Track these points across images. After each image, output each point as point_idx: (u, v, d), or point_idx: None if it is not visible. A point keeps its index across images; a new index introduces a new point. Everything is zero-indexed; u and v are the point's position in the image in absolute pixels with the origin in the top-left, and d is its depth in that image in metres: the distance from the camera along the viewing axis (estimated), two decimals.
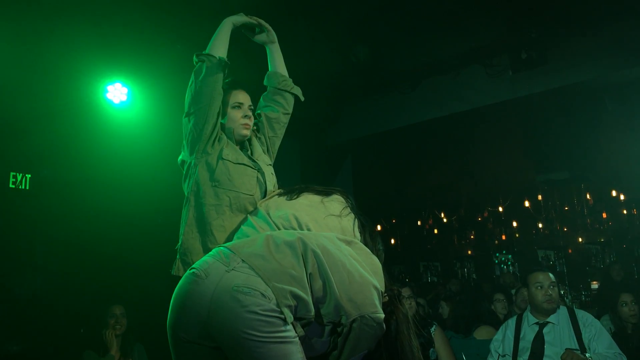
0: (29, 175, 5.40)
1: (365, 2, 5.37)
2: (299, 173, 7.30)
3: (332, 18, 5.50)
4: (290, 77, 2.66)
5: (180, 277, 2.17)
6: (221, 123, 2.40)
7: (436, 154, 9.34)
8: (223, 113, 2.41)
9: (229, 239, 2.20)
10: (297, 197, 2.21)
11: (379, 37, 6.01)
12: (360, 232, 2.14)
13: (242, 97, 2.47)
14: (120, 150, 5.56)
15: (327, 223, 2.09)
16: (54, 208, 5.39)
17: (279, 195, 2.28)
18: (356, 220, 2.17)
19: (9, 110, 4.94)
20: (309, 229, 2.03)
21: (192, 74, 2.33)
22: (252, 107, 2.51)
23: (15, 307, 5.41)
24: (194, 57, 2.33)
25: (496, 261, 11.23)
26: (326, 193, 2.24)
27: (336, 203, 2.20)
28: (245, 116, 2.45)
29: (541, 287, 3.59)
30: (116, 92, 5.56)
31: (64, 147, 5.43)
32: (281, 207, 2.17)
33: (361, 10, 5.48)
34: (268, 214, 2.15)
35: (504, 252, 11.06)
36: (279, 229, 2.05)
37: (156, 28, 4.97)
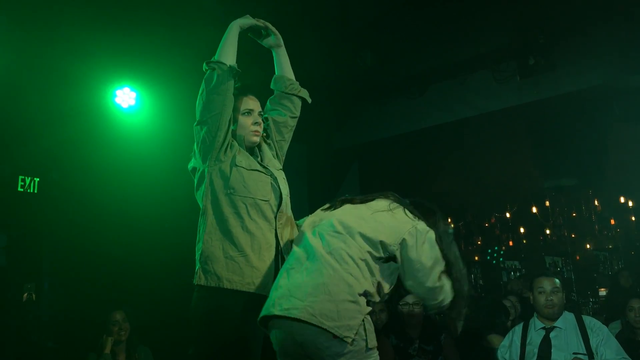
0: (38, 179, 5.43)
1: (373, 7, 5.37)
2: (306, 178, 7.30)
3: (339, 22, 5.50)
4: (297, 82, 2.64)
5: (203, 286, 2.23)
6: (232, 130, 2.38)
7: (443, 159, 9.29)
8: (233, 120, 2.38)
9: (251, 243, 2.24)
10: (340, 206, 2.24)
11: (386, 41, 6.01)
12: (416, 217, 2.16)
13: (252, 103, 2.45)
14: (128, 154, 5.59)
15: (375, 218, 2.12)
16: (62, 212, 5.42)
17: (322, 210, 2.32)
18: (405, 208, 2.19)
19: (17, 113, 4.98)
20: (355, 228, 2.08)
21: (203, 81, 2.30)
22: (262, 113, 2.50)
23: (23, 311, 5.43)
24: (204, 65, 2.31)
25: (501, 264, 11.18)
26: (368, 200, 2.26)
27: (381, 202, 2.23)
28: (256, 123, 2.43)
29: (543, 292, 3.58)
30: (125, 97, 5.60)
31: (72, 151, 5.46)
32: (324, 218, 2.22)
33: (368, 14, 5.49)
34: (312, 230, 2.17)
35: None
36: (322, 242, 2.08)
37: (164, 33, 4.99)
